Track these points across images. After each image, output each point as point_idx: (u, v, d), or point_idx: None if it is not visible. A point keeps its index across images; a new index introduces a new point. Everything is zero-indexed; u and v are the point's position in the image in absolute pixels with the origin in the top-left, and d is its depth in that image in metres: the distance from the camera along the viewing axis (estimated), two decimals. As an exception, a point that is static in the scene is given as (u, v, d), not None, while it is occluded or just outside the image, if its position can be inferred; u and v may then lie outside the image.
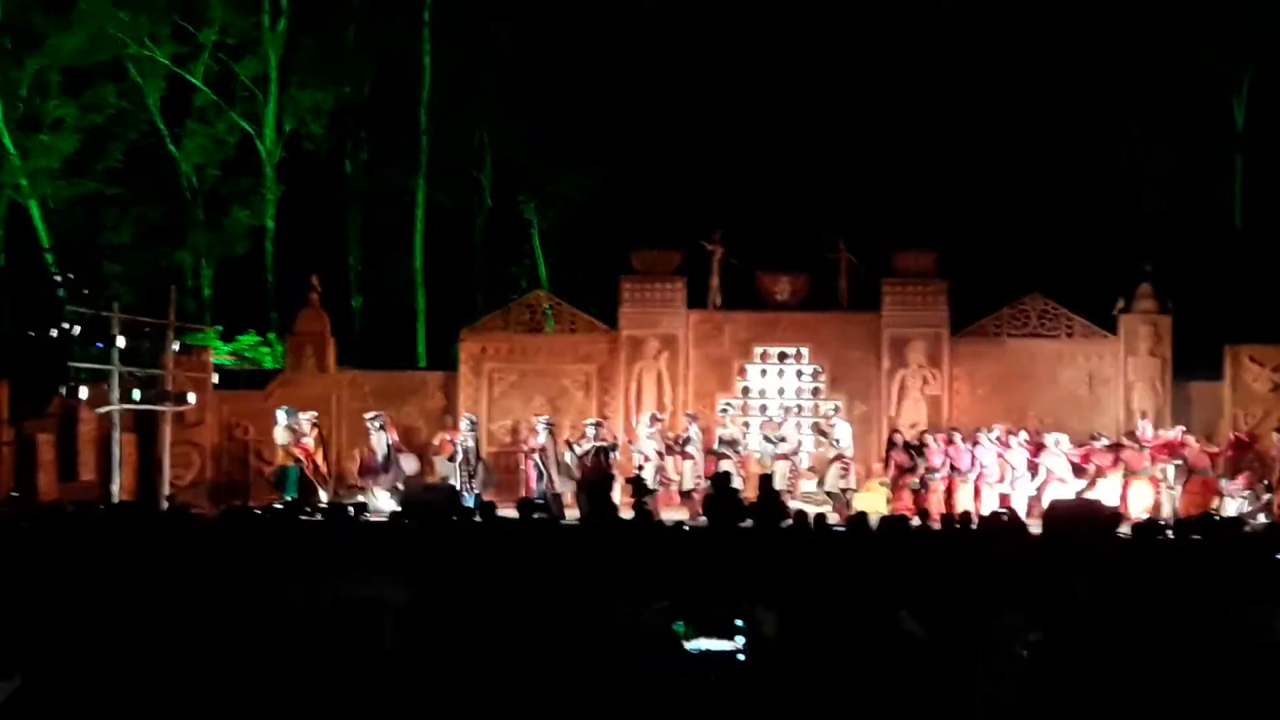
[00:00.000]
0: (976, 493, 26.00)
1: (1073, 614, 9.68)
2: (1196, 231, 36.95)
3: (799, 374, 29.10)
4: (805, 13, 38.80)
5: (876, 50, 38.35)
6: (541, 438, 26.12)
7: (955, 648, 8.74)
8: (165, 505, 23.08)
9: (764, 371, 29.15)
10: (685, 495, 25.80)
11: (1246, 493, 25.34)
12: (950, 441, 26.48)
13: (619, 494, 23.83)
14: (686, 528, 15.70)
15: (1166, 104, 37.97)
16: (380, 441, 26.70)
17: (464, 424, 26.72)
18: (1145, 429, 26.47)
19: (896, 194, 36.20)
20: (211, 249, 38.04)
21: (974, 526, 16.19)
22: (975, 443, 26.50)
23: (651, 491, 23.23)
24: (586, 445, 25.85)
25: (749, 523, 16.75)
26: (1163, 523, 17.88)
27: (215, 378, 28.66)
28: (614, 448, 25.95)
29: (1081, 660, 8.88)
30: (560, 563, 11.51)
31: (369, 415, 27.12)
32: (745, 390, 29.06)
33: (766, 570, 11.08)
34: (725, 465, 24.95)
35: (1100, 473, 25.89)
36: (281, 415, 26.71)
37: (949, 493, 25.92)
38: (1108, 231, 36.09)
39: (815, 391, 29.00)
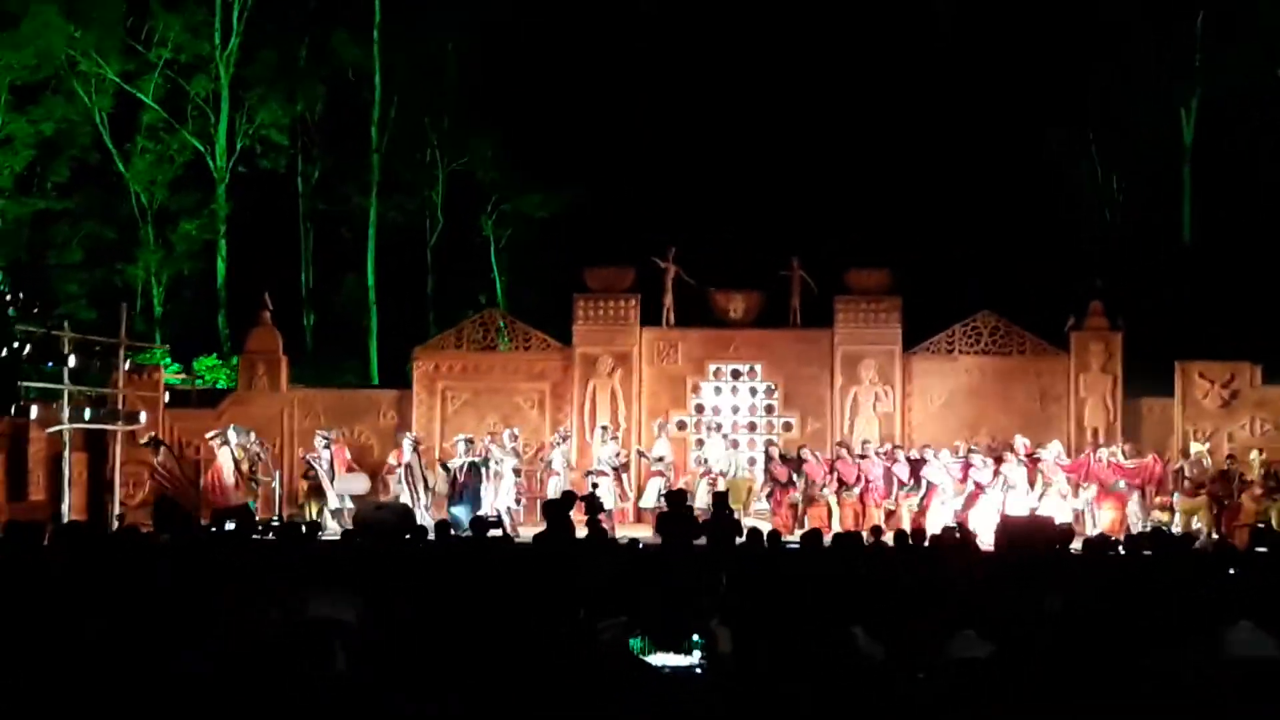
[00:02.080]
0: (863, 507, 26.02)
1: (1039, 631, 9.70)
2: (1147, 249, 37.25)
3: (752, 391, 29.13)
4: (760, 35, 38.96)
5: (831, 70, 38.50)
6: (407, 455, 26.19)
7: (912, 666, 8.73)
8: (116, 525, 22.87)
9: (718, 389, 29.17)
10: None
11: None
12: (839, 456, 26.55)
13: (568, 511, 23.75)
14: (641, 545, 15.64)
15: (1118, 121, 38.28)
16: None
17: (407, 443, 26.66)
18: (1022, 444, 26.40)
19: (849, 212, 36.35)
20: (162, 267, 37.90)
21: (926, 544, 16.20)
22: (863, 456, 26.60)
23: (605, 509, 23.17)
24: (459, 461, 25.95)
25: (703, 540, 16.73)
26: (1114, 539, 17.94)
27: (166, 397, 28.45)
28: (485, 463, 25.91)
29: (1043, 676, 8.89)
30: (515, 581, 11.47)
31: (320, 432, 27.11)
32: (699, 407, 29.07)
33: (720, 587, 11.09)
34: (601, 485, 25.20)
35: (980, 487, 25.88)
36: (233, 434, 26.54)
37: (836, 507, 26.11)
38: (1059, 249, 36.33)
39: (769, 409, 29.05)
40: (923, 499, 25.97)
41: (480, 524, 16.01)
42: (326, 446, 26.65)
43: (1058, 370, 28.51)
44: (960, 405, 28.58)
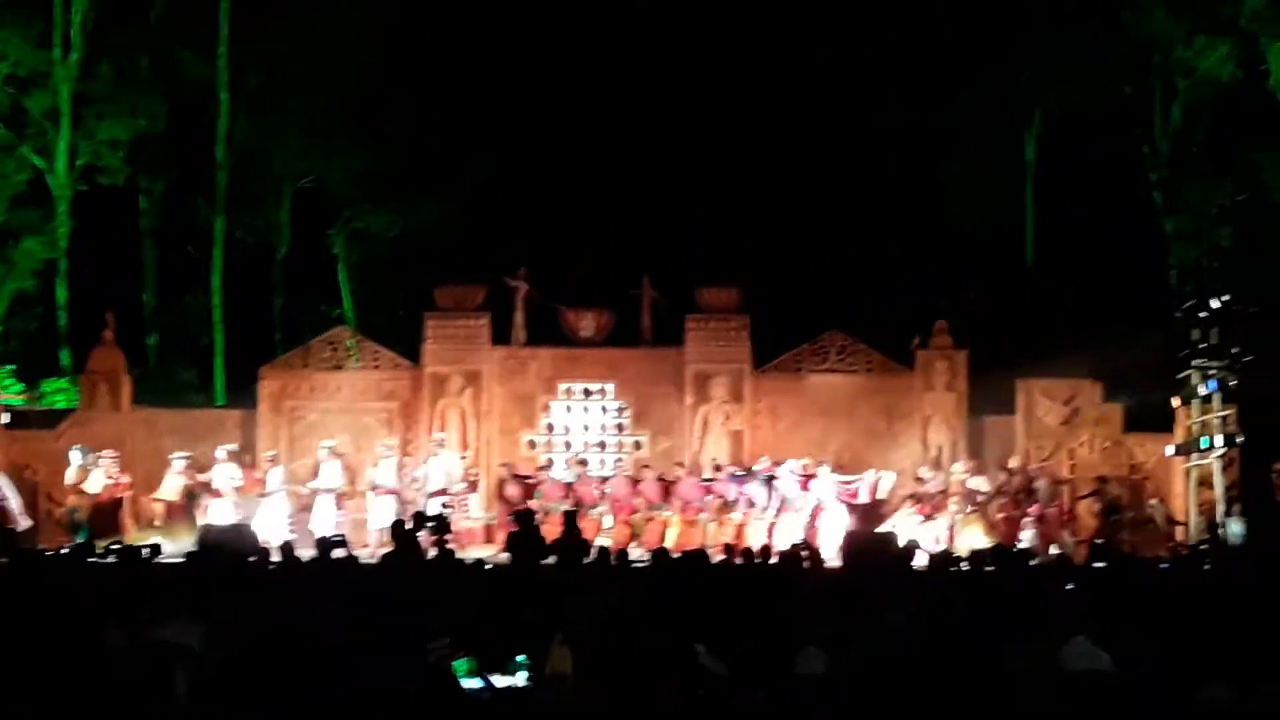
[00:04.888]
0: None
1: (883, 646, 9.79)
2: (992, 268, 37.82)
3: (603, 410, 29.18)
4: (607, 51, 39.01)
5: (683, 90, 38.69)
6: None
7: (754, 681, 8.77)
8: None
9: (568, 408, 29.17)
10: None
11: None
12: (579, 477, 27.08)
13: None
14: (488, 565, 15.61)
15: (963, 140, 38.83)
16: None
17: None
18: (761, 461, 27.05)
19: (700, 230, 36.53)
20: (2, 285, 37.02)
21: (773, 561, 16.32)
22: (605, 478, 27.47)
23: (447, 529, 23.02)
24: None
25: (551, 559, 16.73)
26: (956, 555, 18.19)
27: (5, 418, 27.84)
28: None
29: (889, 690, 8.98)
30: (358, 602, 11.36)
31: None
32: (550, 426, 29.05)
33: (565, 607, 11.07)
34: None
35: (726, 506, 26.33)
36: (76, 455, 26.09)
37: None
38: (906, 268, 36.76)
39: (620, 427, 29.10)
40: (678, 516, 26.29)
41: (324, 544, 15.84)
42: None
43: (904, 388, 28.87)
44: (808, 424, 28.81)
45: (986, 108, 38.02)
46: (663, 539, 25.15)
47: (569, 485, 26.63)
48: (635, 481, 26.88)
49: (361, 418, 28.84)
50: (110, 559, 16.89)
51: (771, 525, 25.84)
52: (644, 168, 38.02)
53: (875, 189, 37.86)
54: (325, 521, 25.56)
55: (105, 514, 25.69)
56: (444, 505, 25.18)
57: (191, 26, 38.21)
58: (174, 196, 39.39)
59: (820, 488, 26.33)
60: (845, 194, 37.69)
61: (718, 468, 27.19)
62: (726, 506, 26.25)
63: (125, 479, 26.39)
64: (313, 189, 39.85)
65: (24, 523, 25.31)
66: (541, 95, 38.52)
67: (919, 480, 26.94)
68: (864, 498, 26.60)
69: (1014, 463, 27.37)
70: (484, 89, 38.65)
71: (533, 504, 25.62)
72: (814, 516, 26.11)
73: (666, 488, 26.66)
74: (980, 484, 26.69)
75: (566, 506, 24.98)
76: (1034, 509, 26.17)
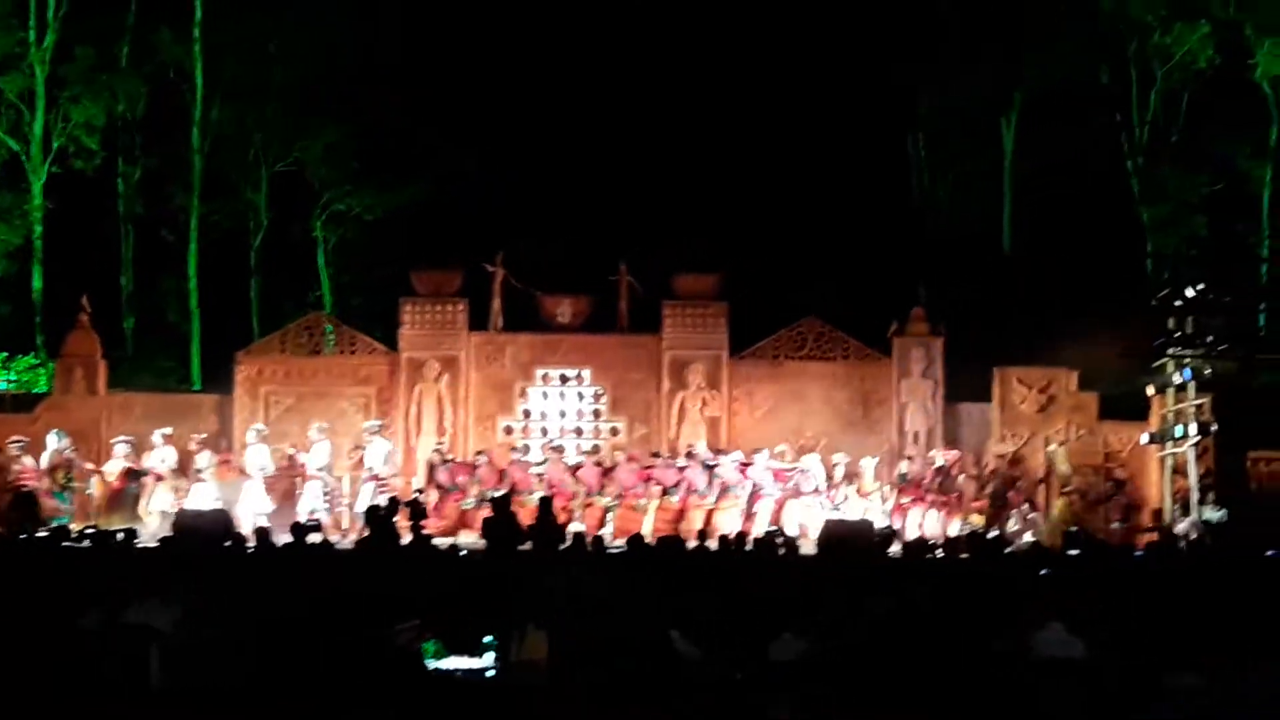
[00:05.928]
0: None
1: (860, 632, 9.82)
2: (968, 255, 37.90)
3: (580, 396, 29.15)
4: (589, 35, 38.98)
5: (658, 73, 38.65)
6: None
7: (729, 667, 8.79)
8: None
9: (545, 394, 29.13)
10: None
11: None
12: (513, 462, 27.08)
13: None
14: (464, 552, 15.61)
15: (942, 128, 38.92)
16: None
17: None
18: (700, 448, 27.34)
19: (677, 217, 36.52)
20: (-25, 269, 36.94)
21: (749, 548, 16.33)
22: (542, 460, 27.41)
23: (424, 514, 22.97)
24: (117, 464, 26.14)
25: (528, 545, 16.75)
26: (931, 542, 18.24)
27: (-22, 402, 27.79)
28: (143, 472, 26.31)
29: (863, 677, 8.99)
30: (331, 586, 11.37)
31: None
32: (526, 412, 29.02)
33: (541, 591, 11.08)
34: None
35: (665, 489, 26.54)
36: (52, 439, 26.00)
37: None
38: (884, 256, 36.83)
39: (596, 414, 29.09)
40: (618, 500, 26.46)
41: (299, 529, 15.83)
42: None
43: (880, 375, 28.89)
44: (785, 410, 28.82)
45: (965, 93, 38.10)
46: (601, 524, 25.49)
47: (502, 471, 26.62)
48: (574, 468, 26.89)
49: (338, 402, 28.79)
50: (85, 543, 16.86)
51: (711, 511, 26.10)
52: (622, 154, 37.99)
53: (852, 176, 37.89)
54: (255, 505, 25.60)
55: (20, 504, 25.47)
56: (417, 491, 25.23)
57: (169, 10, 38.10)
58: (152, 181, 39.27)
59: (757, 474, 26.51)
60: (823, 181, 37.72)
61: (654, 454, 27.34)
62: (666, 492, 26.39)
63: (31, 470, 26.08)
64: (290, 173, 39.77)
65: None
66: (520, 81, 38.51)
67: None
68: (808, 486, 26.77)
69: (913, 450, 27.64)
70: (463, 73, 38.60)
71: (472, 491, 25.84)
72: (751, 503, 26.32)
73: (605, 473, 26.69)
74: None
75: (501, 493, 24.96)
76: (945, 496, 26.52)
